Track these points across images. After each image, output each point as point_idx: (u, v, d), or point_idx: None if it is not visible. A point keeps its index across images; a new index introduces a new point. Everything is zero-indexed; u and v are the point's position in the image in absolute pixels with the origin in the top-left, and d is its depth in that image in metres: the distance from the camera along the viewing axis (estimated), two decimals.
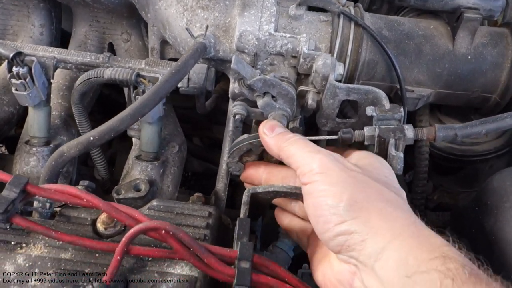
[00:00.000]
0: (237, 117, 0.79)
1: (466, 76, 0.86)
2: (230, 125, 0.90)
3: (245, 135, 0.79)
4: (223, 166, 0.91)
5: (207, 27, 0.79)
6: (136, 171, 0.85)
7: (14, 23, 1.06)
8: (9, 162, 1.00)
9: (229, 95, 0.89)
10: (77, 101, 0.85)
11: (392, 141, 0.69)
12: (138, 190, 0.81)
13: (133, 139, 0.94)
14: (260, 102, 0.77)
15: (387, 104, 0.73)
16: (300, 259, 0.89)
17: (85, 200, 0.58)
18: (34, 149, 0.85)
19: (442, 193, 1.19)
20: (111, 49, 1.08)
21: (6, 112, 0.95)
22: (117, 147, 1.28)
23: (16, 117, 0.97)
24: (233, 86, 0.87)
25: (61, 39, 1.14)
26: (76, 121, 0.89)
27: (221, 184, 0.90)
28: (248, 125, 0.91)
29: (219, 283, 0.66)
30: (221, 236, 0.74)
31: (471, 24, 0.83)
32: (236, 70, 0.73)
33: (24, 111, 0.99)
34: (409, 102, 0.86)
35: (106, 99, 1.20)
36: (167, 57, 0.98)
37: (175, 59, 0.96)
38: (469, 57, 0.85)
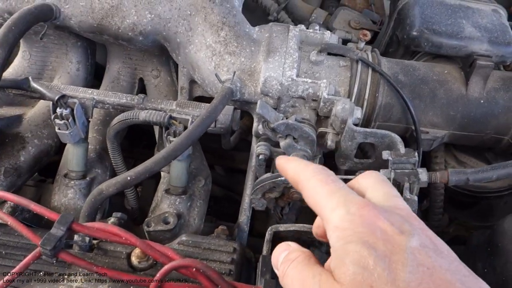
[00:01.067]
0: (261, 156, 0.85)
1: (479, 119, 0.90)
2: (253, 162, 0.96)
3: (268, 174, 0.84)
4: (245, 200, 0.96)
5: (234, 73, 0.85)
6: (165, 205, 0.90)
7: (53, 59, 1.14)
8: (45, 191, 1.07)
9: (253, 133, 0.95)
10: (112, 138, 0.91)
11: (406, 185, 0.73)
12: (167, 223, 0.86)
13: (162, 173, 1.00)
14: (282, 143, 0.83)
15: (402, 149, 0.78)
16: None
17: (123, 238, 0.63)
18: (72, 182, 0.91)
19: (458, 227, 1.22)
20: (141, 84, 1.15)
21: (46, 144, 1.02)
22: None
23: (54, 149, 1.04)
24: (257, 126, 0.93)
25: (95, 71, 1.21)
26: (110, 155, 0.95)
27: (243, 217, 0.95)
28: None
29: None
30: (244, 269, 0.79)
31: (484, 71, 0.88)
32: (261, 114, 0.79)
33: (61, 142, 1.06)
34: (424, 143, 0.90)
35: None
36: (195, 94, 1.05)
37: (202, 97, 1.03)
38: (482, 101, 0.89)
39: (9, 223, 0.64)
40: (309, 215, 1.32)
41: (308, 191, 0.50)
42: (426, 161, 1.09)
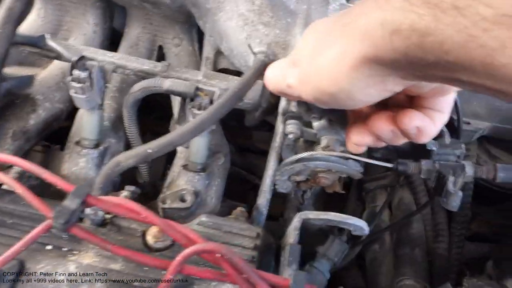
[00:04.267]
0: (290, 135, 0.78)
1: None
2: (277, 141, 0.90)
3: (300, 155, 0.77)
4: (266, 181, 0.90)
5: (269, 45, 0.79)
6: (182, 181, 0.85)
7: (69, 19, 1.07)
8: (53, 157, 1.01)
9: (279, 111, 0.88)
10: (130, 106, 0.85)
11: (451, 178, 0.67)
12: (184, 200, 0.81)
13: (178, 148, 0.94)
14: (316, 124, 0.77)
15: (447, 139, 0.72)
16: (334, 281, 0.88)
17: (143, 216, 0.58)
18: (84, 150, 0.86)
19: (480, 223, 1.16)
20: (160, 52, 1.09)
21: (57, 109, 0.96)
22: None
23: (65, 114, 0.98)
24: (286, 103, 0.86)
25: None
26: (126, 125, 0.89)
27: (263, 199, 0.89)
28: None
29: None
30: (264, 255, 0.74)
31: None
32: None
33: (72, 107, 1.00)
34: (464, 134, 0.84)
35: None
36: (219, 67, 0.98)
37: (227, 70, 0.97)
38: None
39: (18, 191, 0.59)
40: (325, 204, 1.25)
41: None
42: None
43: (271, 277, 0.58)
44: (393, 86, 0.46)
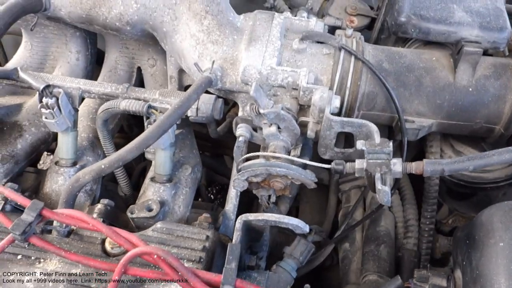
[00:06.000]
0: (240, 138, 0.84)
1: (468, 108, 0.87)
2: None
3: (261, 160, 0.83)
4: (232, 188, 0.97)
5: (213, 62, 0.85)
6: (150, 192, 0.92)
7: (54, 49, 1.17)
8: (43, 177, 1.11)
9: (234, 122, 0.94)
10: (101, 126, 0.94)
11: (378, 175, 0.72)
12: (150, 210, 0.88)
13: (153, 161, 1.02)
14: (266, 130, 0.83)
15: (377, 138, 0.76)
16: (302, 280, 0.93)
17: (90, 225, 0.66)
18: (62, 169, 0.94)
19: (457, 217, 1.19)
20: (139, 73, 1.17)
21: (43, 132, 1.05)
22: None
23: (52, 137, 1.08)
24: (242, 114, 0.93)
25: (99, 58, 1.23)
26: (102, 143, 0.98)
27: (230, 205, 0.96)
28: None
29: None
30: (220, 256, 0.80)
31: (472, 58, 0.85)
32: (254, 98, 0.79)
33: None
34: (409, 132, 0.88)
35: None
36: (185, 83, 1.06)
37: None
38: (470, 89, 0.86)
39: None
40: (313, 205, 1.29)
41: None
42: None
43: (206, 275, 0.65)
44: None
